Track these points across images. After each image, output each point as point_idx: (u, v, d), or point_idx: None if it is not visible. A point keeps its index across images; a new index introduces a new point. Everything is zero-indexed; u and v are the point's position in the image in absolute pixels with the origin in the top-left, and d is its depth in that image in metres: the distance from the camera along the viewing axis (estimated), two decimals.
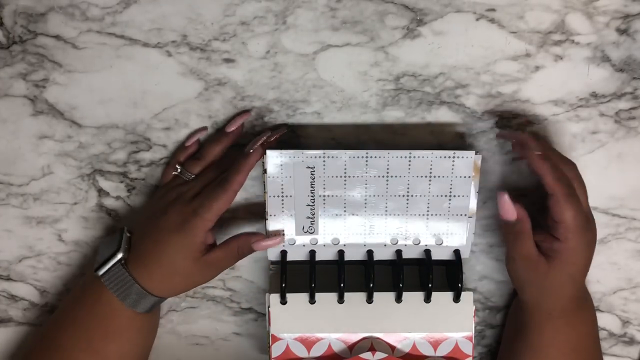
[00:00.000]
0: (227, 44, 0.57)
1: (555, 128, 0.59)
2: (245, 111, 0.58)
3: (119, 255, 0.54)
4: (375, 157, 0.55)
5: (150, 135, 0.59)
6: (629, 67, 0.57)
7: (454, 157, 0.55)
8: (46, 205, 0.61)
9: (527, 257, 0.54)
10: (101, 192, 0.61)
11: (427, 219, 0.57)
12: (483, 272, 0.64)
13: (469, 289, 0.64)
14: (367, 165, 0.55)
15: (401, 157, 0.55)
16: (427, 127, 0.59)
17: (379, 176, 0.55)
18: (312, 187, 0.56)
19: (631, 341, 0.66)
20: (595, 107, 0.58)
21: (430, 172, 0.55)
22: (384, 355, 0.57)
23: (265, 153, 0.55)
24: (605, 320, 0.65)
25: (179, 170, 0.58)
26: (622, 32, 0.56)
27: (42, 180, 0.61)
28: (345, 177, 0.55)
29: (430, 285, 0.57)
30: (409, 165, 0.55)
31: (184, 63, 0.57)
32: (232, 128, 0.58)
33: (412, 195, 0.56)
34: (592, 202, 0.61)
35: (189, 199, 0.55)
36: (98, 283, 0.55)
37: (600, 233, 0.62)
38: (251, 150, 0.54)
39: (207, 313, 0.65)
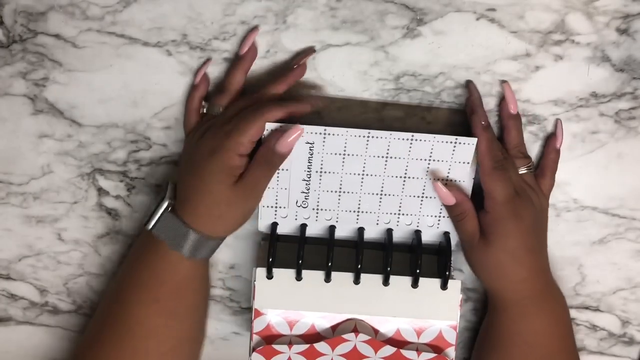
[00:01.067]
0: (227, 43, 0.57)
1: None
2: (254, 28, 0.56)
3: (165, 203, 0.54)
4: (377, 137, 0.54)
5: (150, 135, 0.59)
6: (629, 67, 0.57)
7: (455, 142, 0.55)
8: (46, 204, 0.61)
9: (470, 238, 0.56)
10: (101, 191, 0.61)
11: (422, 201, 0.57)
12: None
13: (469, 289, 0.64)
14: (367, 145, 0.55)
15: (403, 139, 0.54)
16: (427, 127, 0.59)
17: (378, 156, 0.55)
18: (309, 162, 0.55)
19: (631, 341, 0.66)
20: (595, 107, 0.58)
21: (430, 156, 0.55)
22: (366, 337, 0.57)
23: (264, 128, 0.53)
24: (605, 320, 0.65)
25: (205, 107, 0.56)
26: (622, 32, 0.56)
27: (42, 180, 0.61)
28: (344, 155, 0.55)
29: (418, 271, 0.57)
30: (410, 147, 0.55)
31: (184, 62, 0.57)
32: (245, 49, 0.56)
33: (409, 177, 0.56)
34: (592, 202, 0.61)
35: (221, 124, 0.53)
36: (151, 241, 0.54)
37: (600, 233, 0.62)
38: (295, 66, 0.55)
39: None
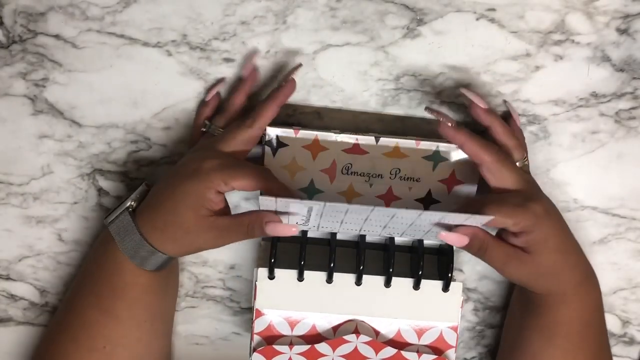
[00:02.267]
0: (227, 43, 0.57)
1: (555, 128, 0.59)
2: (254, 52, 0.57)
3: (127, 203, 0.53)
4: (379, 215, 0.50)
5: (150, 135, 0.59)
6: (629, 67, 0.57)
7: (466, 219, 0.51)
8: (46, 204, 0.61)
9: (507, 260, 0.52)
10: (101, 191, 0.61)
11: (425, 233, 0.55)
12: (483, 272, 0.64)
13: (469, 289, 0.64)
14: (368, 217, 0.50)
15: (407, 218, 0.50)
16: (427, 127, 0.59)
17: (378, 226, 0.53)
18: (307, 216, 0.52)
19: (631, 341, 0.66)
20: (595, 107, 0.58)
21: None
22: (367, 339, 0.56)
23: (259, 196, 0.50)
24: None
25: (208, 126, 0.56)
26: (622, 32, 0.56)
27: (42, 180, 0.61)
28: (342, 221, 0.53)
29: (420, 273, 0.56)
30: (416, 219, 0.50)
31: (184, 62, 0.57)
32: (247, 71, 0.56)
33: (414, 223, 0.52)
34: (592, 202, 0.61)
35: (213, 154, 0.53)
36: (108, 236, 0.54)
37: (600, 233, 0.62)
38: (283, 83, 0.54)
39: (206, 313, 0.65)
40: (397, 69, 0.57)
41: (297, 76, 0.56)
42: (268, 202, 0.49)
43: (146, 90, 0.58)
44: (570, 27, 0.56)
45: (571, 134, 0.59)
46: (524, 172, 0.54)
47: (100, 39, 0.57)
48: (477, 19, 0.56)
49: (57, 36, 0.57)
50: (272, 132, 0.55)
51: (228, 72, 0.57)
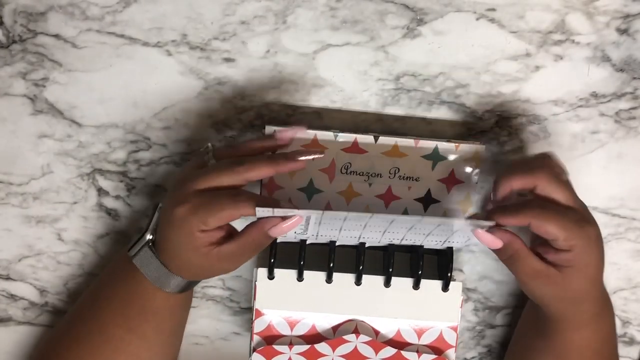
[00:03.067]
0: (227, 43, 0.57)
1: (555, 128, 0.59)
2: (300, 126, 0.54)
3: (147, 237, 0.54)
4: (378, 221, 0.50)
5: (150, 135, 0.59)
6: (629, 67, 0.57)
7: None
8: (46, 204, 0.61)
9: (535, 276, 0.50)
10: (101, 191, 0.61)
11: (427, 237, 0.54)
12: (483, 272, 0.64)
13: (469, 289, 0.64)
14: (367, 225, 0.51)
15: (404, 224, 0.50)
16: (427, 127, 0.59)
17: (377, 231, 0.53)
18: (305, 226, 0.52)
19: (631, 341, 0.66)
20: (595, 107, 0.58)
21: (433, 232, 0.52)
22: (367, 338, 0.56)
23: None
24: None
25: (207, 149, 0.53)
26: (622, 32, 0.56)
27: (41, 180, 0.61)
28: (341, 229, 0.53)
29: (420, 272, 0.56)
30: (413, 226, 0.50)
31: (184, 62, 0.57)
32: (282, 139, 0.53)
33: (413, 227, 0.52)
34: (592, 202, 0.61)
35: (195, 192, 0.50)
36: (131, 261, 0.54)
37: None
38: (296, 158, 0.50)
39: (206, 312, 0.65)
40: (397, 69, 0.57)
41: (309, 158, 0.51)
42: (266, 213, 0.48)
43: (146, 90, 0.58)
44: (570, 27, 0.56)
45: (571, 134, 0.59)
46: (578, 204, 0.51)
47: (100, 39, 0.57)
48: (477, 19, 0.56)
49: (57, 36, 0.57)
50: (271, 131, 0.55)
51: (228, 72, 0.57)
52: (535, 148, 0.59)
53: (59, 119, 0.59)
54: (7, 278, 0.64)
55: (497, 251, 0.51)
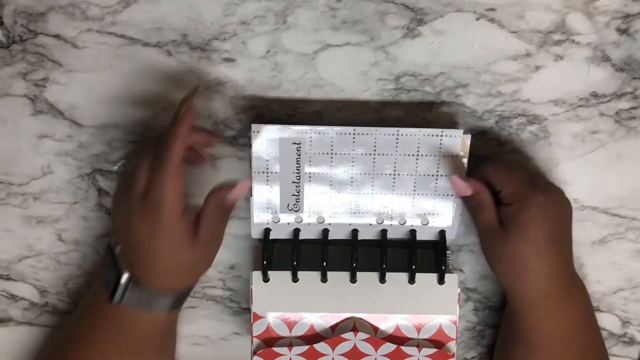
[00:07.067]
0: (227, 43, 0.57)
1: (555, 128, 0.59)
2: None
3: (125, 277, 0.52)
4: (363, 134, 0.55)
5: (150, 135, 0.59)
6: (629, 66, 0.57)
7: (441, 135, 0.55)
8: (46, 204, 0.61)
9: (488, 228, 0.54)
10: (101, 191, 0.61)
11: (414, 198, 0.57)
12: (483, 272, 0.64)
13: (469, 289, 0.64)
14: (354, 142, 0.55)
15: (389, 134, 0.55)
16: (427, 127, 0.59)
17: (365, 154, 0.55)
18: (297, 163, 0.56)
19: (631, 341, 0.66)
20: (595, 107, 0.58)
21: (418, 151, 0.55)
22: (366, 336, 0.57)
23: (250, 127, 0.54)
24: (605, 321, 0.65)
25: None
26: (622, 31, 0.56)
27: (42, 180, 0.61)
28: (331, 154, 0.55)
29: (414, 267, 0.56)
30: (397, 143, 0.55)
31: (184, 62, 0.57)
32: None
33: (398, 174, 0.56)
34: (592, 202, 0.61)
35: (141, 197, 0.50)
36: (112, 305, 0.53)
37: (600, 233, 0.62)
38: (183, 110, 0.50)
39: (206, 313, 0.65)
40: (397, 69, 0.57)
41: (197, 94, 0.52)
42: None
43: (146, 90, 0.58)
44: (570, 27, 0.56)
45: (571, 134, 0.59)
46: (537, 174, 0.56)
47: (100, 39, 0.57)
48: (477, 19, 0.56)
49: (57, 36, 0.57)
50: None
51: (228, 72, 0.57)
52: (536, 148, 0.59)
53: (59, 119, 0.59)
54: (8, 278, 0.64)
55: (467, 199, 0.55)
